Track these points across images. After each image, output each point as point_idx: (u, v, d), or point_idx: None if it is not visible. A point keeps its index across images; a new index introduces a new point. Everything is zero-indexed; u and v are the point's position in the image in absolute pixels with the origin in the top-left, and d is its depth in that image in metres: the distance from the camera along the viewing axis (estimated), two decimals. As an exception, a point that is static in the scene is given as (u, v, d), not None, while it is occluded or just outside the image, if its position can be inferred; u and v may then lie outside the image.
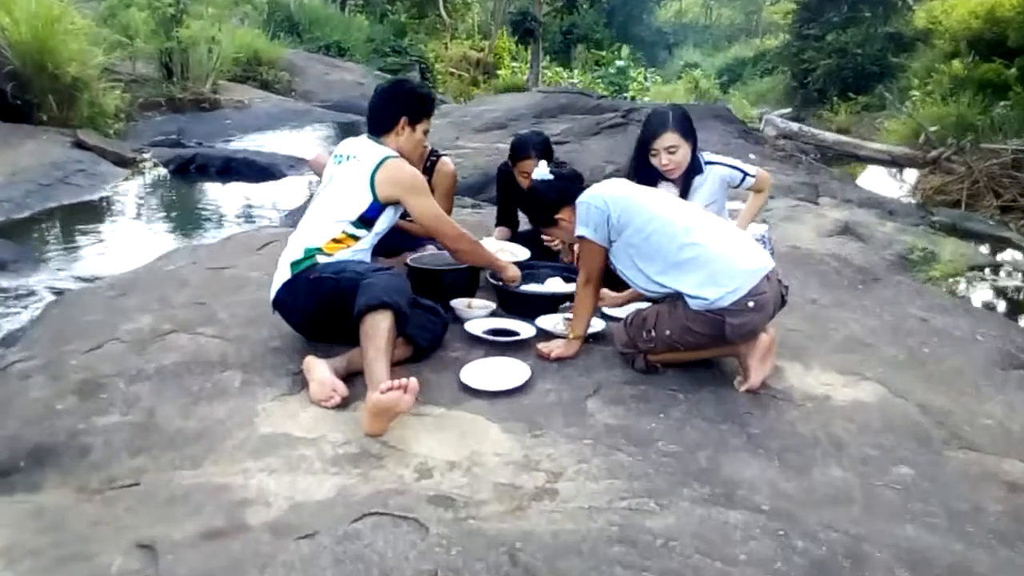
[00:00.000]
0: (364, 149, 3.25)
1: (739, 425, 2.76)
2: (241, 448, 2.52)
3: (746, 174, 3.83)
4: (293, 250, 3.14)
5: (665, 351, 3.01)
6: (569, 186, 3.23)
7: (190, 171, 8.95)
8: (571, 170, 3.31)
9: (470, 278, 3.68)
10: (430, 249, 4.10)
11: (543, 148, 4.02)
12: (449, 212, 4.23)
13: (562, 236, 3.49)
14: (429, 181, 4.13)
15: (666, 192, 3.38)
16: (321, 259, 3.08)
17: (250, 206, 8.18)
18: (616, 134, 10.72)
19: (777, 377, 3.09)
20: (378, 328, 2.74)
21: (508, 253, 3.92)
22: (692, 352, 3.03)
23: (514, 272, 3.55)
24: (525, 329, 3.33)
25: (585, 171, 10.12)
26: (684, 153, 3.69)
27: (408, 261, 3.71)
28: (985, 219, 10.53)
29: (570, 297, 3.61)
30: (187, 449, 2.51)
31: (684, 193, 3.78)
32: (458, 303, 3.51)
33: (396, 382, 2.53)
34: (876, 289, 4.46)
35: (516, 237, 4.28)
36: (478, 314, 3.44)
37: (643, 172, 3.81)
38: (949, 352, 3.57)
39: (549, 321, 3.43)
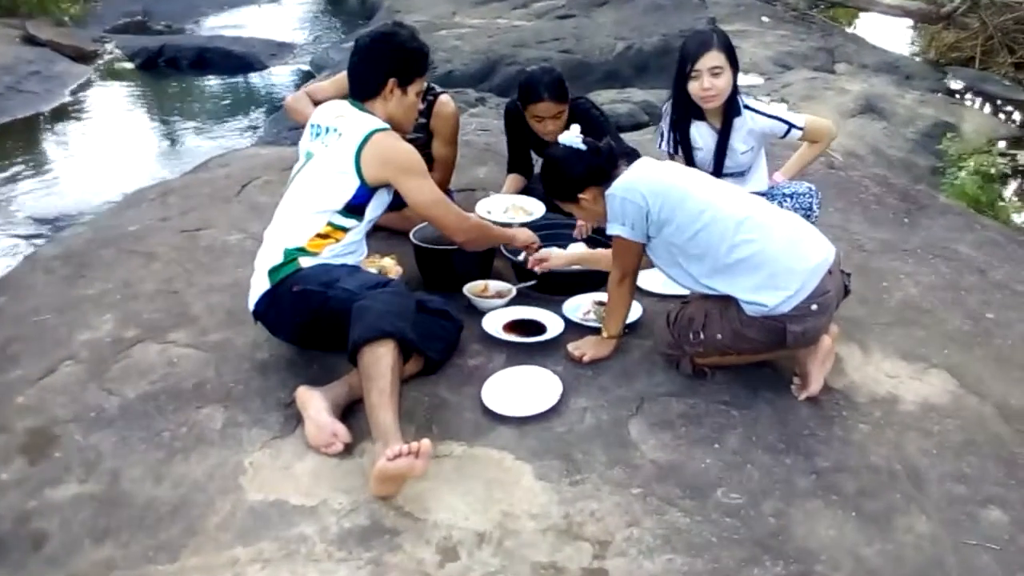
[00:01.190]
0: (347, 120, 2.61)
1: (804, 455, 2.31)
2: (227, 527, 2.07)
3: (791, 125, 3.15)
4: (270, 252, 2.57)
5: (714, 355, 2.52)
6: (602, 164, 2.62)
7: (159, 65, 8.07)
8: (607, 144, 2.67)
9: (485, 255, 3.11)
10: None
11: (556, 88, 3.33)
12: (453, 160, 3.62)
13: (582, 217, 2.91)
14: (427, 124, 3.50)
15: (713, 180, 2.76)
16: (305, 261, 2.52)
17: (228, 107, 7.39)
18: (624, 5, 9.72)
19: (836, 370, 2.61)
20: (379, 365, 2.23)
21: (521, 211, 3.33)
22: (745, 356, 2.54)
23: (526, 237, 2.98)
24: (551, 322, 2.82)
25: (594, 51, 9.26)
26: (727, 80, 3.05)
27: (412, 236, 3.12)
28: (1000, 80, 9.84)
29: (598, 277, 3.08)
30: (162, 531, 2.06)
31: (725, 133, 3.16)
32: (472, 289, 2.97)
33: (406, 447, 2.05)
34: (922, 222, 3.88)
35: (532, 185, 3.66)
36: (495, 304, 2.91)
37: (682, 107, 3.18)
38: (1016, 317, 3.07)
39: (578, 309, 2.91)
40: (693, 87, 3.08)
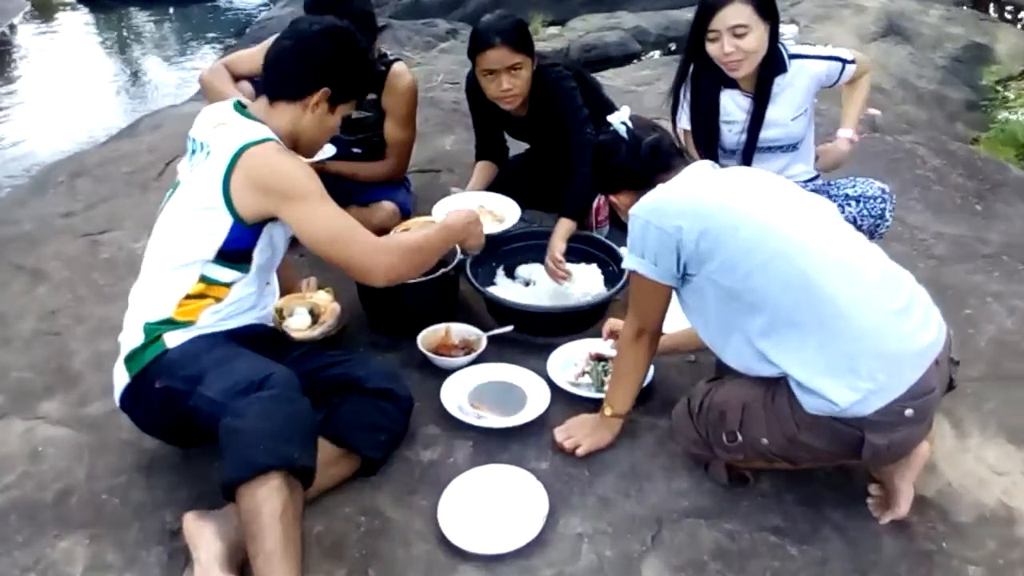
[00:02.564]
0: (222, 133, 1.77)
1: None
2: None
3: (844, 62, 2.38)
4: (130, 327, 1.80)
5: (759, 461, 1.77)
6: (633, 168, 1.80)
7: (101, -2, 6.98)
8: (652, 141, 1.80)
9: (443, 289, 2.31)
10: (391, 216, 2.70)
11: (511, 33, 2.43)
12: (410, 145, 2.79)
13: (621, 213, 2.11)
14: (378, 101, 2.64)
15: (775, 177, 1.90)
16: (172, 338, 1.74)
17: (178, 46, 6.38)
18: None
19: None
20: (261, 517, 1.47)
21: (490, 216, 2.51)
22: (802, 466, 1.78)
23: (475, 242, 2.09)
24: (532, 389, 2.05)
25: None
26: (757, 39, 2.22)
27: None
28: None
29: (593, 313, 2.29)
30: None
31: (762, 103, 2.34)
32: (429, 341, 2.19)
33: None
34: (998, 208, 3.03)
35: (506, 175, 2.81)
36: (458, 363, 2.14)
37: (700, 70, 2.37)
38: None
39: (568, 366, 2.14)
40: (712, 50, 2.26)
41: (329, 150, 2.62)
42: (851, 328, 1.55)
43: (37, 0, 6.96)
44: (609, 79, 5.28)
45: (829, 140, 2.55)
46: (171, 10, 6.93)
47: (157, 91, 6.13)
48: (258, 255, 1.81)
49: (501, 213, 2.52)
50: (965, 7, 8.09)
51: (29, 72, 5.69)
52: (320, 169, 2.60)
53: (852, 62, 2.39)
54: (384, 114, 2.68)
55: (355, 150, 2.75)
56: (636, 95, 4.21)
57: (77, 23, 6.83)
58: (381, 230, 2.63)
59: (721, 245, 1.63)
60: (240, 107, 1.82)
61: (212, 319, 1.79)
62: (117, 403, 1.82)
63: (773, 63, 2.31)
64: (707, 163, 1.85)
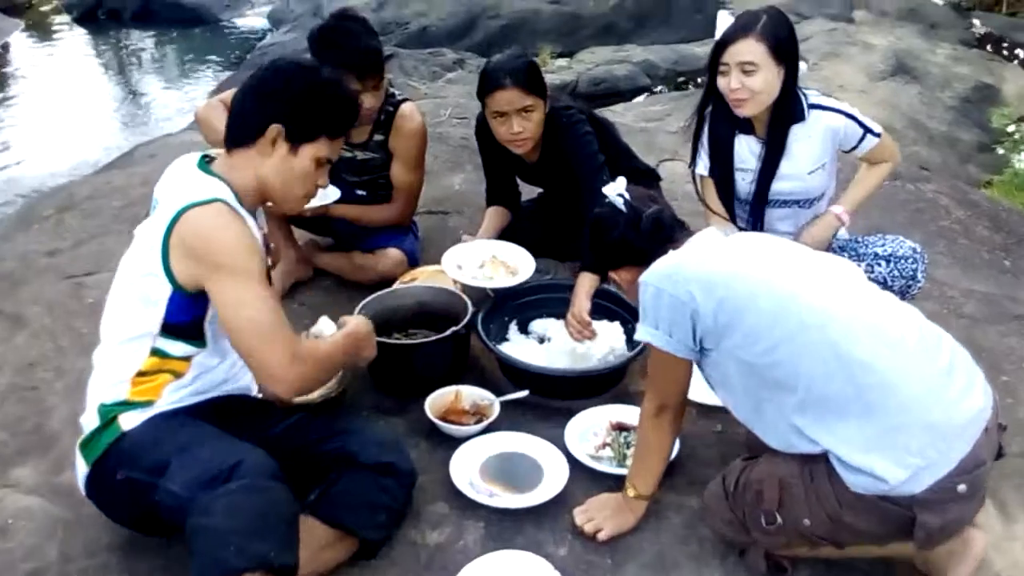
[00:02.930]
0: (172, 189, 1.62)
1: None
2: None
3: (868, 130, 2.22)
4: (88, 405, 1.64)
5: (800, 544, 1.62)
6: (634, 241, 1.69)
7: (98, 18, 6.87)
8: (653, 214, 1.69)
9: (453, 349, 2.16)
10: (397, 264, 2.56)
11: (522, 73, 2.29)
12: (417, 190, 2.66)
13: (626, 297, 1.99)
14: (384, 142, 2.51)
15: (796, 247, 1.78)
16: (128, 420, 1.57)
17: (175, 70, 6.29)
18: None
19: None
20: None
21: (502, 268, 2.37)
22: (848, 551, 1.62)
23: (369, 353, 1.83)
24: (549, 463, 1.89)
25: (587, 1, 8.15)
26: (765, 80, 2.11)
27: (356, 316, 2.15)
28: (1030, 26, 8.74)
29: (614, 375, 2.15)
30: None
31: (773, 150, 2.22)
32: (438, 406, 2.04)
33: None
34: (1022, 263, 2.93)
35: (519, 222, 2.67)
36: (469, 431, 1.98)
37: (716, 110, 2.28)
38: None
39: (588, 435, 1.99)
40: (721, 84, 2.17)
41: (333, 194, 2.49)
42: (894, 399, 1.43)
43: (32, 20, 6.84)
44: (619, 114, 5.19)
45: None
46: (173, 33, 6.83)
47: (154, 115, 6.01)
48: (210, 327, 1.63)
49: (515, 265, 2.38)
50: (972, 47, 8.07)
51: (23, 94, 5.58)
52: (324, 214, 2.50)
53: (877, 136, 2.22)
54: (391, 156, 2.56)
55: (359, 192, 2.62)
56: (648, 133, 4.10)
57: (73, 44, 6.73)
58: (387, 279, 2.52)
59: (740, 318, 1.51)
60: (204, 162, 1.65)
61: (176, 396, 1.62)
62: (82, 491, 1.65)
63: (788, 110, 2.19)
64: (714, 230, 1.76)
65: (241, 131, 1.63)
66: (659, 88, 6.48)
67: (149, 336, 1.58)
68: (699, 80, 2.24)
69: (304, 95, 1.61)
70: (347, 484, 1.65)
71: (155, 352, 1.59)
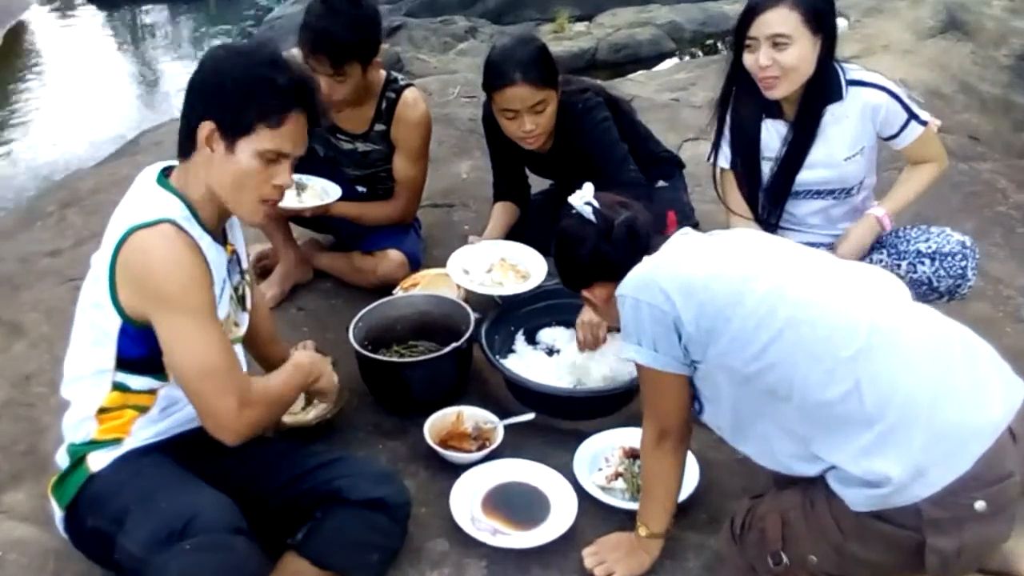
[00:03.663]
0: (124, 205, 1.48)
1: None
2: None
3: (913, 116, 1.98)
4: (61, 447, 1.55)
5: (813, 582, 1.48)
6: (610, 254, 1.54)
7: (114, -10, 6.80)
8: (626, 221, 1.54)
9: (454, 367, 2.02)
10: (398, 267, 2.42)
11: (533, 65, 2.11)
12: (421, 183, 2.51)
13: (601, 317, 1.83)
14: (386, 132, 2.36)
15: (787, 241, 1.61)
16: (97, 461, 1.48)
17: (189, 43, 6.20)
18: None
19: None
20: None
21: (512, 272, 2.22)
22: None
23: (326, 383, 1.77)
24: (557, 495, 1.76)
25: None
26: (800, 55, 1.90)
27: (351, 331, 2.02)
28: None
29: (627, 395, 2.00)
30: None
31: (803, 133, 2.01)
32: (437, 430, 1.91)
33: None
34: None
35: (528, 218, 2.50)
36: (471, 458, 1.85)
37: (740, 93, 2.06)
38: None
39: (598, 462, 1.84)
40: (748, 61, 1.95)
41: (334, 192, 2.37)
42: (897, 401, 1.28)
43: (46, -2, 6.81)
44: (641, 84, 4.95)
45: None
46: (185, 5, 6.74)
47: (163, 92, 5.96)
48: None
49: (526, 268, 2.23)
50: (1029, -4, 7.59)
51: (34, 73, 5.52)
52: (324, 213, 2.36)
53: (923, 124, 1.99)
54: (392, 147, 2.41)
55: (359, 188, 2.48)
56: (670, 108, 3.88)
57: (85, 21, 6.67)
58: (387, 283, 2.39)
59: (725, 322, 1.37)
60: (163, 175, 1.51)
61: (147, 432, 1.52)
62: (61, 531, 1.56)
63: (824, 87, 1.97)
64: (688, 229, 1.60)
65: (183, 137, 1.48)
66: (685, 56, 6.22)
67: (107, 371, 1.47)
68: (728, 42, 2.04)
69: (230, 83, 1.42)
70: (336, 522, 1.54)
71: (116, 386, 1.48)
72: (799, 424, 1.36)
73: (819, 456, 1.34)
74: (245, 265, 1.71)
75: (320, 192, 2.39)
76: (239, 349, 1.63)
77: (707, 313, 1.38)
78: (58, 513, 1.52)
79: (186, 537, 1.29)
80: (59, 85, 5.58)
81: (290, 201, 2.28)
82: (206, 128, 1.42)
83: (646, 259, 1.50)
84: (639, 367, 1.49)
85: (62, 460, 1.52)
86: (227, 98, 1.42)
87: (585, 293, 1.63)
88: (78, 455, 1.49)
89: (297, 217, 2.44)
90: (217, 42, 6.70)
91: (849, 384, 1.30)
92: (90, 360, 1.48)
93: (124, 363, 1.46)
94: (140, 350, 1.45)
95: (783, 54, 1.89)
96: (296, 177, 2.32)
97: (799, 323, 1.34)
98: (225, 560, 1.30)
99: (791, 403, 1.35)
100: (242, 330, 1.67)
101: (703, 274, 1.42)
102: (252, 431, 1.48)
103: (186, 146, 1.47)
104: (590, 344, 2.09)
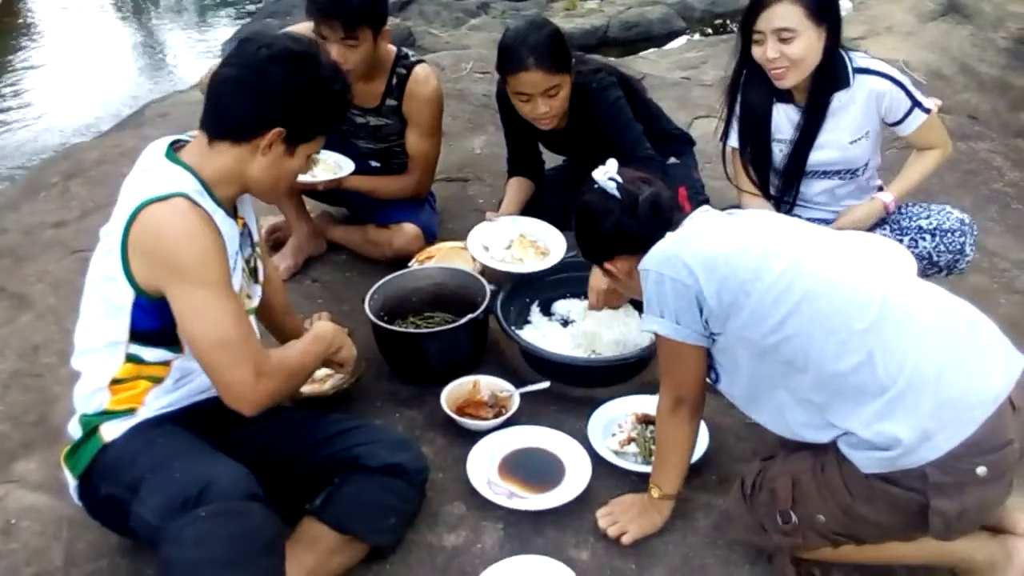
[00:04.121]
0: (134, 181, 1.48)
1: None
2: None
3: (916, 104, 2.05)
4: (73, 418, 1.58)
5: (823, 544, 1.53)
6: (634, 228, 1.58)
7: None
8: (650, 196, 1.59)
9: (476, 334, 2.07)
10: (413, 239, 2.45)
11: (547, 50, 2.12)
12: (435, 157, 2.55)
13: (621, 291, 1.88)
14: (398, 107, 2.39)
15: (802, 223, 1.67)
16: (110, 430, 1.50)
17: (193, 19, 6.16)
18: None
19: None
20: None
21: (532, 248, 2.26)
22: (870, 553, 1.53)
23: (347, 353, 1.77)
24: (571, 460, 1.82)
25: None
26: (806, 46, 1.96)
27: (366, 302, 2.08)
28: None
29: (640, 363, 2.06)
30: None
31: (813, 118, 2.07)
32: (454, 398, 1.96)
33: None
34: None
35: (544, 194, 2.53)
36: (487, 425, 1.91)
37: (750, 78, 2.11)
38: None
39: (612, 428, 1.90)
40: (756, 54, 2.01)
41: (347, 166, 2.40)
42: (907, 372, 1.34)
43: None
44: (653, 62, 4.98)
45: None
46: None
47: (166, 62, 5.93)
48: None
49: (545, 244, 2.28)
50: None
51: (36, 43, 5.47)
52: (337, 187, 2.40)
53: (927, 112, 2.05)
54: (404, 122, 2.44)
55: (373, 164, 2.52)
56: (681, 87, 3.92)
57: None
58: (402, 255, 2.43)
59: (745, 296, 1.43)
60: (172, 149, 1.51)
61: (161, 402, 1.54)
62: (74, 499, 1.60)
63: (832, 74, 2.03)
64: (708, 207, 1.65)
65: (230, 125, 1.48)
66: (695, 35, 6.23)
67: (120, 344, 1.49)
68: (738, 21, 2.09)
69: (306, 95, 1.47)
70: (354, 488, 1.58)
71: (130, 358, 1.50)
72: (815, 393, 1.41)
73: (833, 423, 1.40)
74: (256, 238, 1.73)
75: (333, 166, 2.42)
76: (252, 321, 1.64)
77: (728, 287, 1.43)
78: (72, 482, 1.55)
79: (201, 504, 1.31)
80: (58, 54, 5.54)
81: (303, 175, 2.32)
82: (275, 134, 1.46)
83: (669, 235, 1.55)
84: (659, 338, 1.54)
85: (74, 430, 1.55)
86: (302, 110, 1.47)
87: (607, 266, 1.67)
88: (91, 425, 1.52)
89: (311, 190, 2.48)
90: (223, 16, 6.69)
91: (862, 355, 1.36)
92: (102, 332, 1.50)
93: (138, 335, 1.48)
94: (154, 323, 1.47)
95: (789, 47, 1.95)
96: None
97: (816, 297, 1.39)
98: (241, 526, 1.32)
99: (807, 374, 1.41)
100: (255, 302, 1.69)
101: (725, 250, 1.47)
102: (270, 401, 1.50)
103: (230, 135, 1.47)
104: (599, 305, 2.14)
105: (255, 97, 1.45)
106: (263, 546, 1.35)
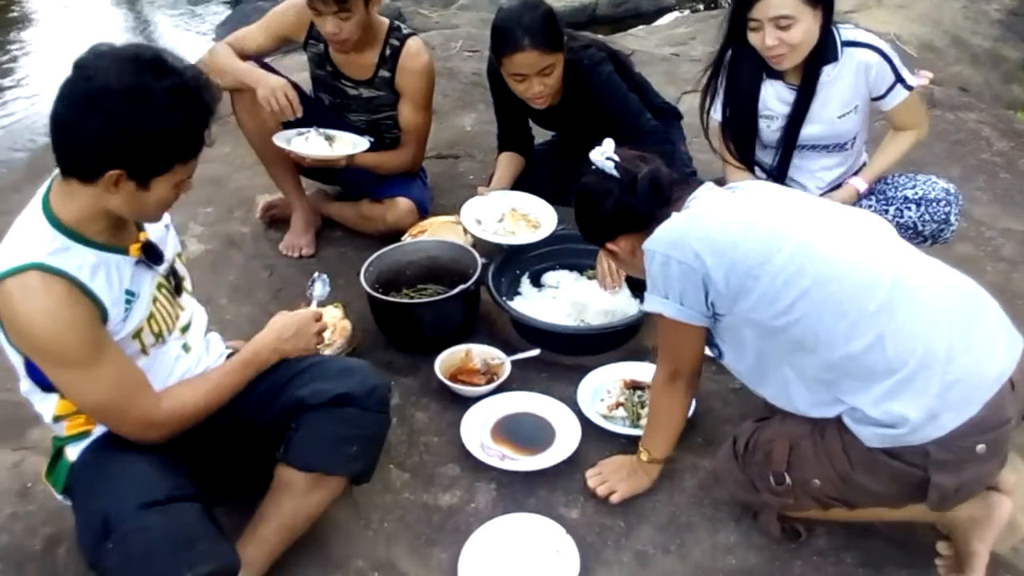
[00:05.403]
0: (8, 236, 1.41)
1: None
2: None
3: (900, 79, 2.06)
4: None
5: (812, 506, 1.60)
6: (637, 207, 1.61)
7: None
8: (649, 174, 1.62)
9: (462, 307, 2.13)
10: (406, 213, 2.49)
11: (541, 30, 2.15)
12: (426, 130, 2.59)
13: (622, 269, 1.92)
14: (391, 79, 2.43)
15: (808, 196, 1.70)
16: (71, 453, 1.53)
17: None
18: None
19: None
20: None
21: (523, 221, 2.32)
22: (860, 512, 1.59)
23: (304, 344, 1.67)
24: (561, 423, 1.89)
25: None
26: (804, 30, 1.97)
27: (362, 275, 2.13)
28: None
29: (628, 331, 2.12)
30: None
31: (806, 97, 2.10)
32: (448, 365, 2.03)
33: None
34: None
35: (534, 168, 2.58)
36: (479, 391, 1.97)
37: (739, 56, 2.12)
38: None
39: (600, 394, 1.97)
40: (754, 40, 2.02)
41: (362, 143, 2.42)
42: (916, 352, 1.38)
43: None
44: (641, 38, 5.00)
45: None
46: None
47: (160, 45, 5.92)
48: None
49: (536, 218, 2.33)
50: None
51: (33, 29, 5.48)
52: (350, 164, 2.40)
53: (909, 89, 2.07)
54: (396, 95, 2.47)
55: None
56: (669, 63, 3.95)
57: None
58: (396, 230, 2.48)
59: (754, 280, 1.44)
60: (46, 197, 1.39)
61: (96, 436, 1.53)
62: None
63: (823, 50, 2.04)
64: (711, 184, 1.65)
65: (70, 167, 1.34)
66: (684, 11, 6.22)
67: (41, 390, 1.47)
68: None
69: (139, 135, 1.29)
70: (307, 428, 1.54)
71: (62, 395, 1.46)
72: (823, 372, 1.44)
73: (841, 399, 1.43)
74: (174, 243, 1.63)
75: (350, 143, 2.45)
76: (198, 331, 1.64)
77: (737, 271, 1.45)
78: (59, 497, 1.59)
79: (109, 535, 1.34)
80: (53, 39, 5.53)
81: (323, 150, 2.37)
82: (113, 176, 1.31)
83: (675, 215, 1.55)
84: (660, 318, 1.56)
85: (52, 446, 1.59)
86: (138, 151, 1.31)
87: (610, 246, 1.68)
88: (56, 447, 1.56)
89: (304, 168, 2.52)
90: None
91: (872, 337, 1.38)
92: (23, 380, 1.49)
93: (47, 386, 1.45)
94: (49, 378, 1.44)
95: (788, 33, 1.96)
96: (324, 131, 2.41)
97: (827, 281, 1.41)
98: (144, 543, 1.32)
99: (816, 354, 1.43)
100: (188, 315, 1.62)
101: (733, 233, 1.48)
102: (166, 438, 1.48)
103: (74, 174, 1.34)
104: (614, 286, 2.19)
105: (78, 141, 1.31)
106: (174, 545, 1.34)
